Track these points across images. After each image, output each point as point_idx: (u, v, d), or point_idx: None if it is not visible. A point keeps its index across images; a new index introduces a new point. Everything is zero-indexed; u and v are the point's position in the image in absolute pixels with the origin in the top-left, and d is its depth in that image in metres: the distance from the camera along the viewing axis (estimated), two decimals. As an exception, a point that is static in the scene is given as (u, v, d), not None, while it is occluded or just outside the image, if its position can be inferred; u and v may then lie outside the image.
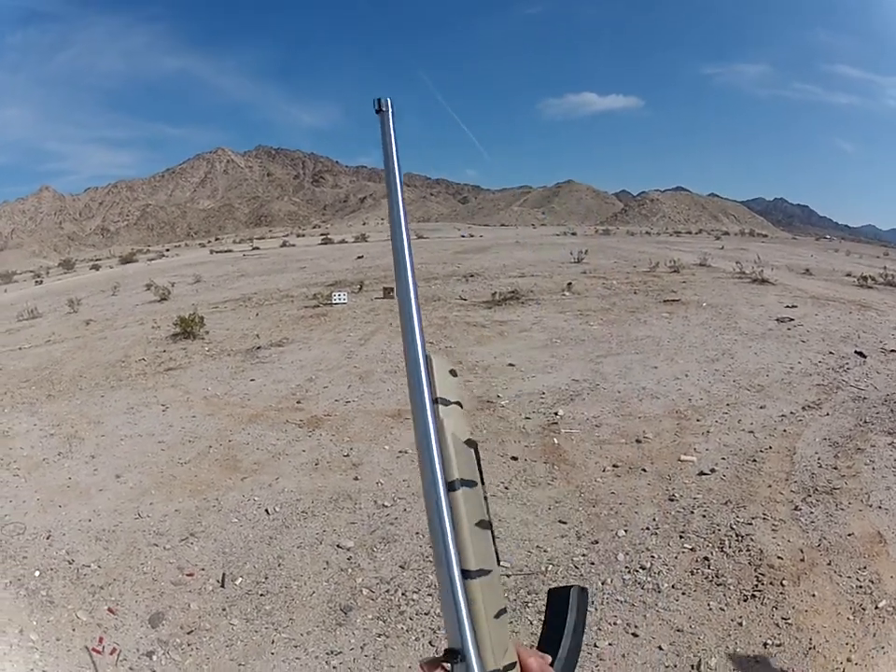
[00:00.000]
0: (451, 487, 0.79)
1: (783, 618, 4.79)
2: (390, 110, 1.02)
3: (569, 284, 21.57)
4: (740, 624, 4.79)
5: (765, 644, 4.57)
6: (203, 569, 6.19)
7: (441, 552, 0.75)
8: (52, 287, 48.68)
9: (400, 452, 8.48)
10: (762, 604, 4.95)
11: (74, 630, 5.45)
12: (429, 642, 5.08)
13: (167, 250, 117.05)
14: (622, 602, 5.11)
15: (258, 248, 78.62)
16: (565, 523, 6.35)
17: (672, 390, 10.10)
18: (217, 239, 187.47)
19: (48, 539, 7.00)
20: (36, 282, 59.61)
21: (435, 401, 0.86)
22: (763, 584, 5.16)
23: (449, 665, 0.75)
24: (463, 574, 0.75)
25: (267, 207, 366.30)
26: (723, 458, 7.49)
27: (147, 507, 7.57)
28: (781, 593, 5.05)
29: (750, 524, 6.03)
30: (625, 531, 6.10)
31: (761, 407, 9.29)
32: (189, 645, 5.19)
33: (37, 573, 6.30)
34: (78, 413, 11.57)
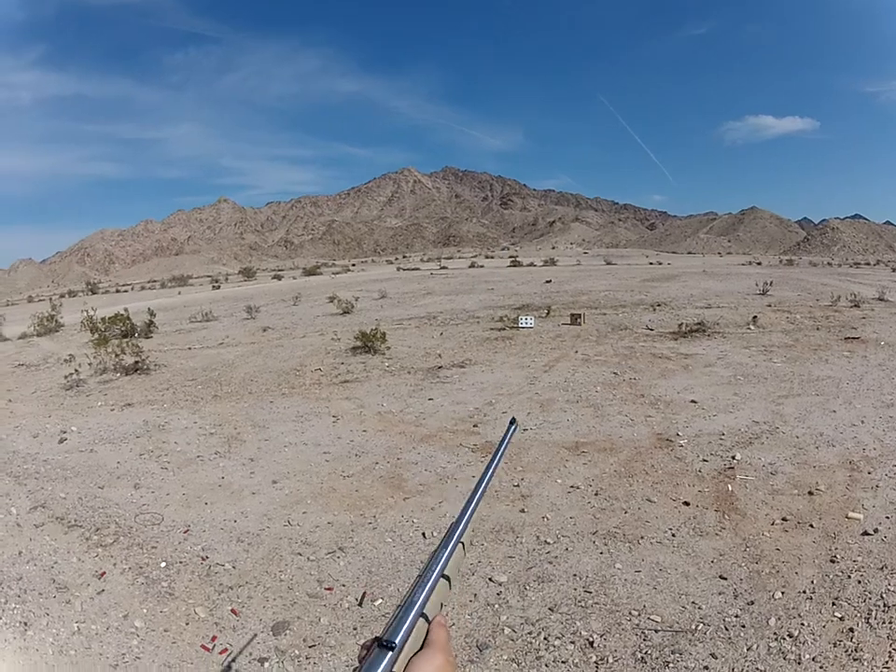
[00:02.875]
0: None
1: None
2: (516, 428, 1.60)
3: (755, 317, 21.56)
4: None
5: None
6: (343, 585, 6.13)
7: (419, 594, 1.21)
8: (230, 292, 51.88)
9: (572, 487, 8.28)
10: None
11: (187, 624, 5.53)
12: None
13: (353, 265, 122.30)
14: (761, 671, 4.84)
15: (445, 268, 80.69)
16: (725, 579, 6.07)
17: (848, 437, 9.76)
18: (404, 257, 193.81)
19: (185, 533, 7.23)
20: (214, 287, 63.71)
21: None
22: (892, 660, 4.86)
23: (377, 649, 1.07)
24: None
25: (455, 228, 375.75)
26: (888, 517, 7.08)
27: (300, 515, 7.67)
28: None
29: None
30: (782, 593, 5.79)
31: None
32: (307, 658, 5.13)
33: (163, 564, 6.50)
34: (244, 415, 12.08)
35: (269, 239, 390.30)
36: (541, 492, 8.18)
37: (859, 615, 5.45)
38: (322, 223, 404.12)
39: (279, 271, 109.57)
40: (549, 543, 6.87)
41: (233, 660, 5.11)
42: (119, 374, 15.86)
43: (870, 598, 5.66)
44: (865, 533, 6.83)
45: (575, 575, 6.23)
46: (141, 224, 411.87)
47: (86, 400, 13.67)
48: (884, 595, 5.68)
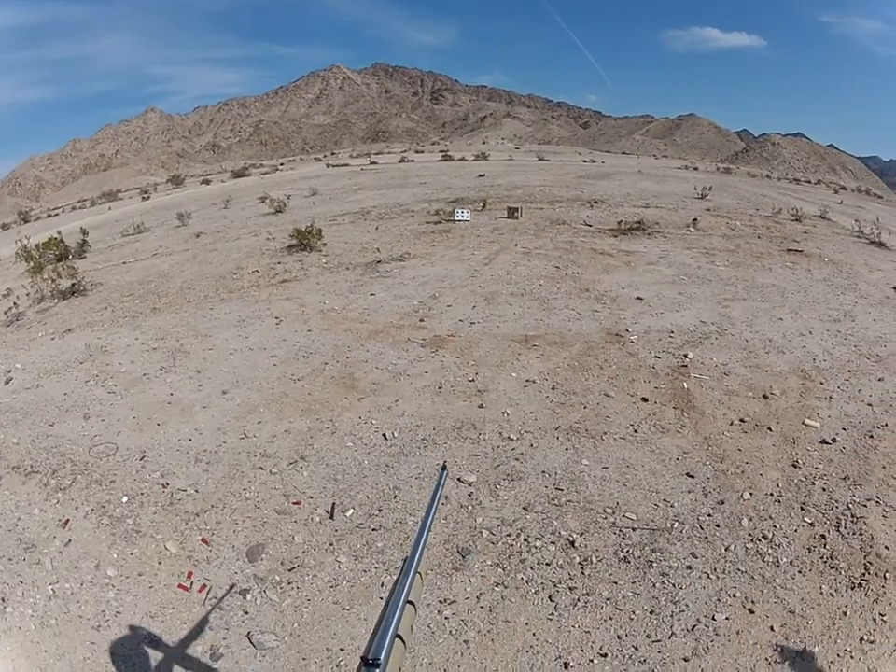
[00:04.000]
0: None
1: (880, 614, 4.67)
2: (447, 474, 1.98)
3: (694, 220, 21.48)
4: (844, 614, 4.69)
5: (861, 639, 4.47)
6: (311, 498, 5.97)
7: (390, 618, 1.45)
8: (160, 202, 50.61)
9: (528, 381, 8.23)
10: (865, 595, 4.85)
11: (160, 563, 5.32)
12: (549, 597, 4.80)
13: (281, 164, 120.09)
14: (742, 573, 4.98)
15: (375, 163, 79.74)
16: (692, 477, 6.20)
17: (797, 346, 9.96)
18: (333, 154, 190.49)
19: (141, 460, 6.93)
20: (143, 198, 62.25)
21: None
22: (869, 574, 5.03)
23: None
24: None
25: (385, 123, 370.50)
26: (844, 429, 7.29)
27: (255, 426, 7.44)
28: (883, 586, 4.92)
29: (865, 505, 5.86)
30: (750, 494, 5.94)
31: (879, 379, 8.85)
32: (288, 584, 4.99)
33: (125, 499, 6.21)
34: (185, 326, 11.65)
35: (196, 144, 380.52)
36: (497, 386, 8.14)
37: (828, 523, 5.62)
38: (249, 124, 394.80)
39: (207, 175, 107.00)
40: (512, 440, 6.84)
41: (214, 596, 4.92)
42: (56, 300, 15.20)
43: (837, 507, 5.83)
44: (824, 441, 6.96)
45: (544, 472, 6.23)
46: (69, 144, 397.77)
47: (27, 333, 13.04)
48: (850, 506, 5.82)
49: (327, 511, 5.70)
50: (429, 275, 13.78)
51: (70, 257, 21.28)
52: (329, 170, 71.53)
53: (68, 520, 5.99)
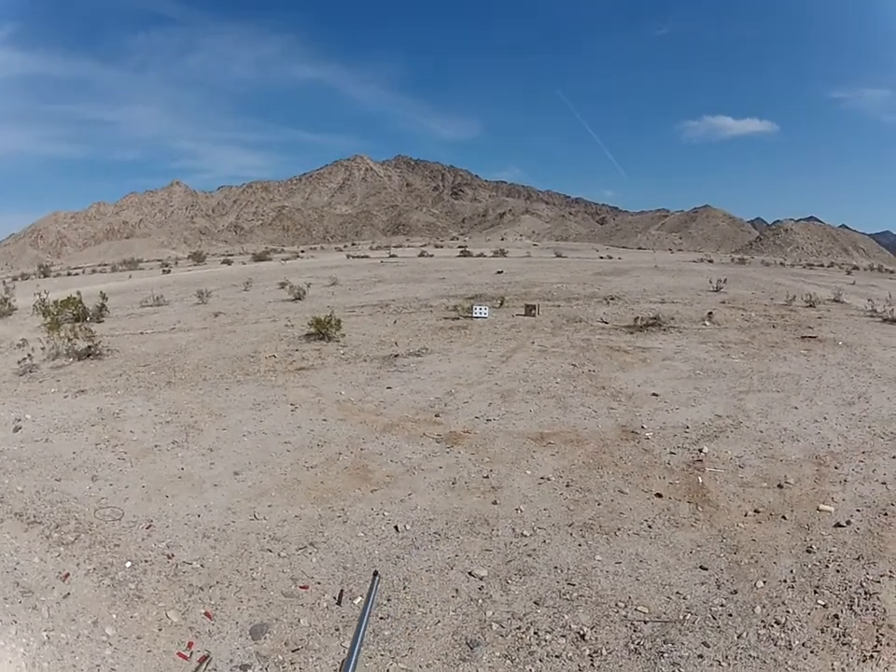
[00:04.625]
0: None
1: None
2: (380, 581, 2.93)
3: (710, 313, 21.87)
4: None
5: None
6: (319, 583, 5.89)
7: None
8: (180, 277, 51.28)
9: (542, 478, 8.19)
10: (876, 665, 4.86)
11: (160, 630, 5.24)
12: (558, 689, 4.71)
13: (302, 251, 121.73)
14: (754, 658, 4.92)
15: (395, 256, 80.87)
16: (706, 569, 6.14)
17: (812, 433, 10.04)
18: (353, 244, 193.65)
19: (147, 528, 6.90)
20: (164, 271, 62.99)
21: None
22: (881, 645, 5.04)
23: None
24: None
25: (405, 217, 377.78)
26: (858, 510, 7.37)
27: (265, 509, 7.40)
28: (895, 654, 4.95)
29: (878, 581, 5.90)
30: (764, 582, 5.90)
31: (893, 457, 9.01)
32: (291, 664, 4.89)
33: (128, 563, 6.17)
34: (200, 403, 11.71)
35: (219, 223, 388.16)
36: (512, 483, 8.08)
37: (841, 602, 5.61)
38: (272, 209, 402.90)
39: (229, 255, 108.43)
40: (525, 535, 6.78)
41: (214, 668, 4.83)
42: (71, 359, 15.35)
43: (850, 587, 5.84)
44: (838, 525, 6.97)
45: (556, 567, 6.16)
46: (93, 206, 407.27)
47: (39, 387, 13.18)
48: (864, 584, 5.83)
49: (334, 598, 5.62)
50: (446, 371, 13.81)
51: (88, 319, 21.52)
52: (350, 261, 72.57)
53: (68, 574, 5.96)
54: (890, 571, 5.99)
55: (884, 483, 8.06)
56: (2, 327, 23.48)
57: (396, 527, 6.90)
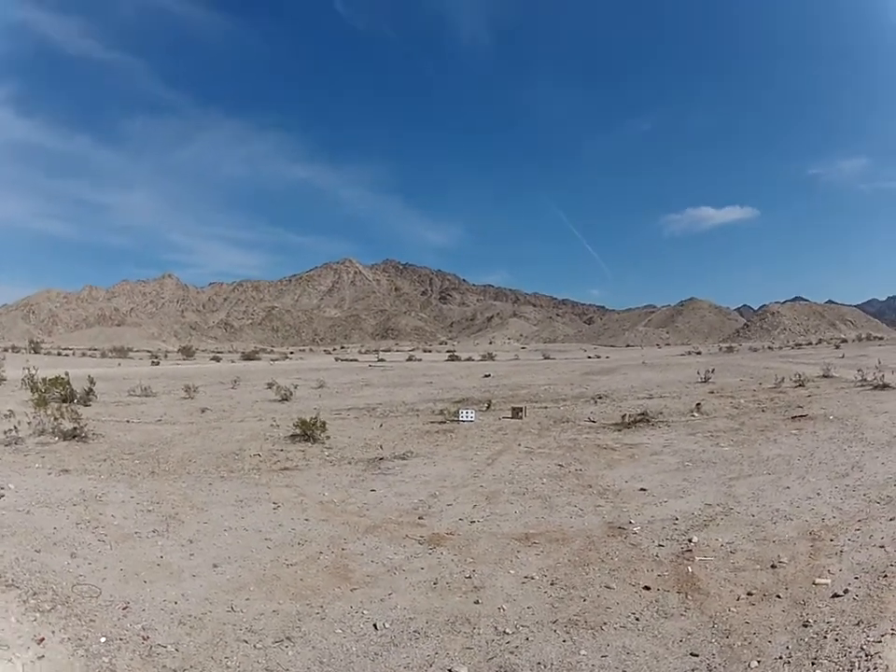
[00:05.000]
0: None
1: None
2: None
3: (698, 404, 22.04)
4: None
5: None
6: (294, 677, 5.78)
7: None
8: (169, 370, 51.48)
9: (526, 577, 8.10)
10: None
11: (133, 707, 5.12)
12: None
13: (291, 353, 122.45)
14: None
15: (383, 360, 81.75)
16: (696, 655, 6.00)
17: (805, 510, 10.10)
18: (342, 347, 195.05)
19: (123, 609, 6.84)
20: (153, 362, 63.31)
21: None
22: None
23: None
24: None
25: (394, 321, 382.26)
26: (856, 577, 7.35)
27: (243, 602, 7.32)
28: None
29: (880, 641, 5.81)
30: (758, 662, 5.79)
31: (890, 519, 9.19)
32: None
33: (103, 639, 6.11)
34: (182, 495, 11.70)
35: (209, 320, 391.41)
36: (495, 583, 8.00)
37: (841, 668, 5.56)
38: (262, 308, 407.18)
39: (218, 352, 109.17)
40: (508, 633, 6.67)
41: None
42: (57, 438, 15.40)
43: (850, 652, 5.78)
44: (835, 595, 6.96)
45: (539, 663, 6.06)
46: (85, 290, 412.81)
47: (24, 459, 13.30)
48: (864, 647, 5.74)
49: (310, 693, 5.53)
50: (431, 474, 13.79)
51: (75, 401, 21.64)
52: (338, 363, 73.09)
53: (43, 638, 5.93)
54: (892, 629, 5.99)
55: (882, 547, 8.12)
56: (-10, 396, 23.53)
57: (375, 625, 6.82)
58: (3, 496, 10.49)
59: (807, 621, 6.44)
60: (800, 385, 25.59)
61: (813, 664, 5.64)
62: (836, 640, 5.97)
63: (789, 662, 5.74)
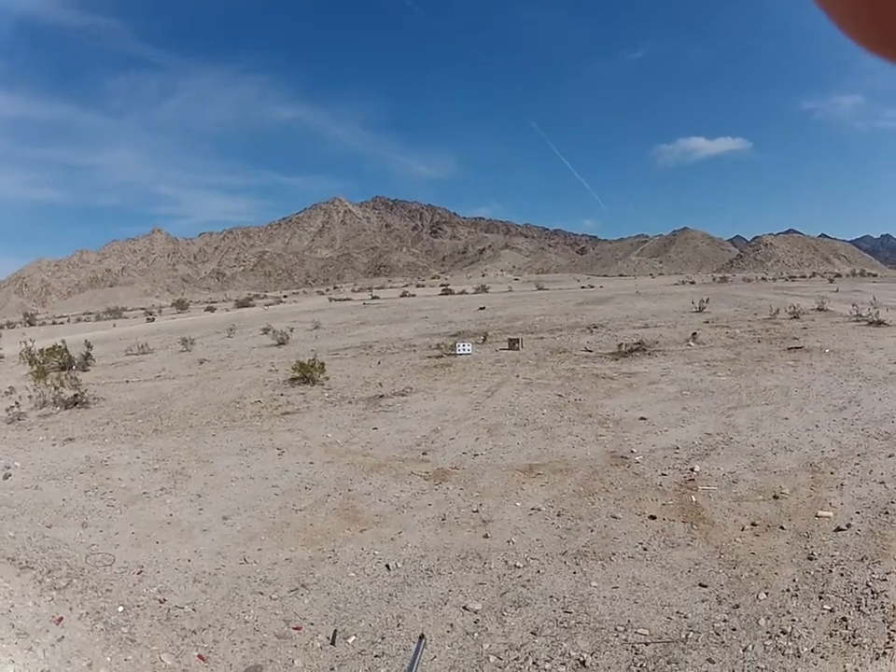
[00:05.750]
0: None
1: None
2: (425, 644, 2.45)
3: (694, 334, 22.03)
4: (870, 684, 4.74)
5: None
6: (312, 624, 5.86)
7: None
8: (164, 325, 51.29)
9: (533, 509, 8.15)
10: (891, 660, 4.85)
11: (153, 673, 5.20)
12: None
13: (285, 296, 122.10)
14: (762, 669, 4.87)
15: (377, 297, 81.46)
16: (705, 586, 6.09)
17: (805, 442, 10.11)
18: (335, 287, 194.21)
19: (138, 574, 6.88)
20: (148, 319, 63.19)
21: None
22: (893, 641, 5.03)
23: None
24: None
25: (386, 258, 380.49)
26: (857, 512, 7.42)
27: (255, 553, 7.37)
28: None
29: (885, 579, 5.90)
30: (766, 594, 5.85)
31: (889, 456, 9.15)
32: None
33: (121, 608, 6.14)
34: (187, 450, 11.72)
35: (201, 270, 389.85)
36: (502, 516, 8.05)
37: (848, 605, 5.58)
38: (254, 254, 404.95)
39: (212, 303, 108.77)
40: (519, 567, 6.72)
41: None
42: (58, 408, 15.37)
43: (856, 588, 5.81)
44: (838, 529, 7.00)
45: (552, 596, 6.10)
46: (77, 254, 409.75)
47: (28, 435, 13.25)
48: (870, 584, 5.83)
49: (328, 638, 5.59)
50: (432, 409, 13.82)
51: (73, 367, 21.57)
52: (332, 304, 72.95)
53: (62, 618, 5.93)
54: (896, 567, 6.00)
55: (882, 483, 8.14)
56: (-12, 375, 23.45)
57: (387, 566, 6.87)
58: (10, 475, 10.47)
59: (812, 554, 6.51)
60: (795, 318, 25.55)
61: (820, 598, 5.70)
62: (842, 575, 6.04)
63: (796, 595, 5.80)
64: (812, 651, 5.00)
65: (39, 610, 6.08)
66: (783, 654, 4.99)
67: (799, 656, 4.95)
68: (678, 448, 10.17)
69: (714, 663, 4.92)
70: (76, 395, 15.84)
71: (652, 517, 7.72)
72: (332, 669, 5.24)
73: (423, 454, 10.79)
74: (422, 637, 2.47)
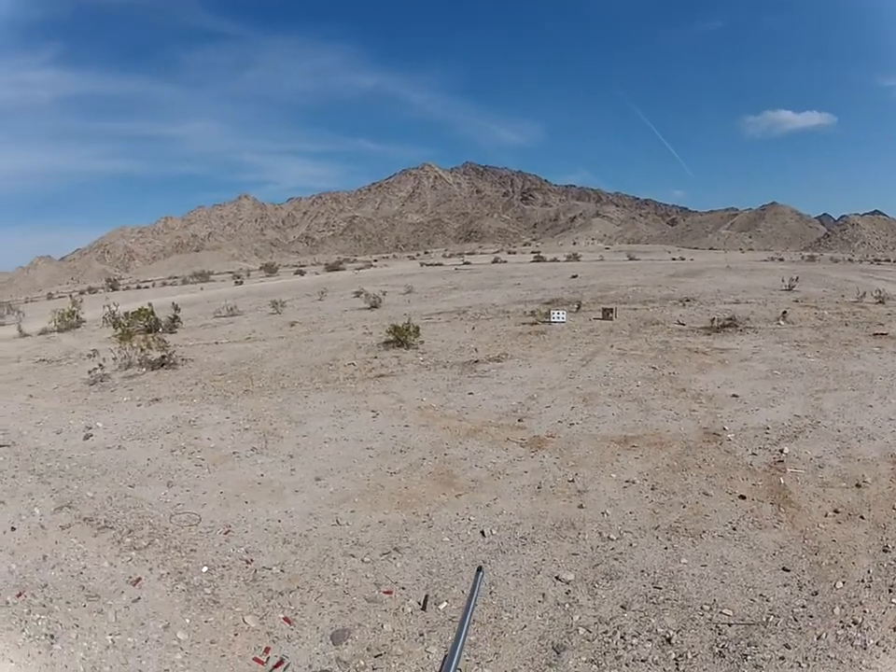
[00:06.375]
0: None
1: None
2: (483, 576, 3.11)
3: (784, 312, 21.82)
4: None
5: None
6: (403, 588, 5.83)
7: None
8: (253, 288, 52.45)
9: (627, 482, 8.11)
10: None
11: (236, 635, 5.21)
12: (642, 693, 4.71)
13: (375, 261, 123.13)
14: (832, 658, 4.92)
15: (468, 263, 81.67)
16: (788, 570, 6.14)
17: (887, 432, 9.96)
18: (426, 252, 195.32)
19: (225, 534, 6.93)
20: (236, 282, 64.40)
21: None
22: None
23: None
24: None
25: (476, 224, 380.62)
26: None
27: (348, 514, 7.38)
28: None
29: None
30: (843, 583, 5.93)
31: None
32: (374, 669, 4.84)
33: (205, 569, 6.18)
34: (278, 410, 11.85)
35: (290, 235, 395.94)
36: (597, 487, 8.02)
37: None
38: (343, 219, 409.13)
39: (301, 267, 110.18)
40: (612, 539, 6.71)
41: None
42: (144, 369, 15.72)
43: None
44: None
45: (643, 571, 6.10)
46: (161, 221, 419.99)
47: (111, 396, 13.56)
48: None
49: (419, 603, 5.56)
50: (527, 376, 13.76)
51: (160, 329, 22.01)
52: (423, 268, 73.37)
53: (140, 578, 5.99)
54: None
55: None
56: (71, 339, 24.27)
57: (482, 532, 6.83)
58: (91, 435, 10.66)
59: (887, 545, 6.54)
60: (880, 303, 25.08)
61: (890, 591, 5.73)
62: None
63: (869, 586, 5.82)
64: (877, 644, 5.05)
65: (115, 571, 6.16)
66: (852, 645, 5.04)
67: (865, 648, 4.99)
68: (768, 428, 10.08)
69: (790, 648, 4.93)
70: (163, 356, 16.17)
71: (742, 497, 7.73)
72: (422, 635, 5.19)
73: (519, 420, 10.71)
74: (480, 569, 2.51)
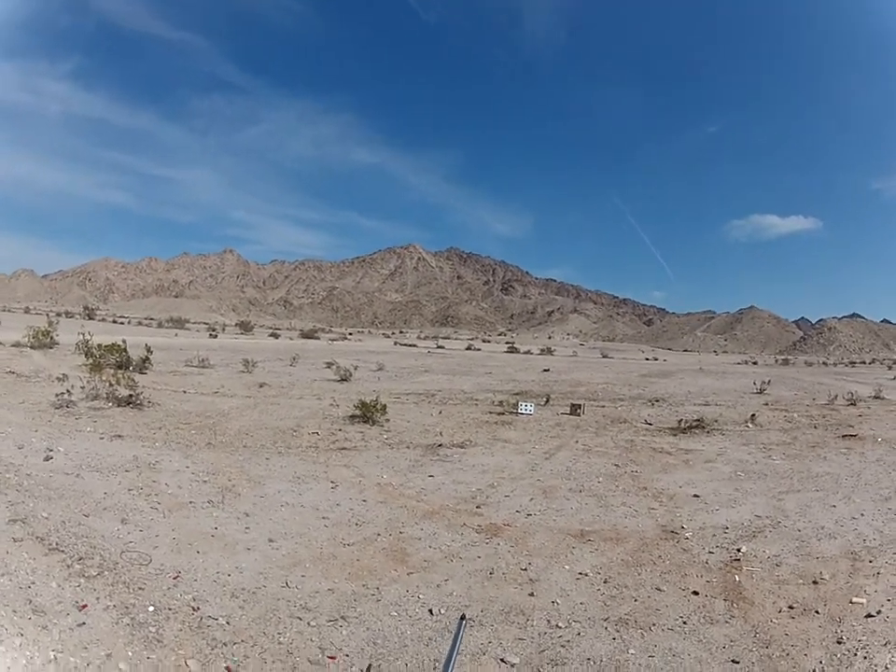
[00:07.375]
0: None
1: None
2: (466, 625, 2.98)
3: (752, 415, 22.16)
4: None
5: None
6: (347, 655, 5.80)
7: None
8: (227, 343, 52.47)
9: (581, 574, 8.14)
10: None
11: (177, 675, 5.16)
12: None
13: (350, 334, 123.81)
14: None
15: (442, 347, 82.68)
16: (737, 662, 6.17)
17: (849, 530, 10.28)
18: (401, 332, 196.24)
19: (174, 578, 6.91)
20: (211, 335, 64.52)
21: None
22: None
23: None
24: None
25: (454, 309, 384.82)
26: (889, 599, 7.56)
27: (298, 578, 7.37)
28: None
29: None
30: None
31: None
32: None
33: (151, 608, 6.16)
34: (238, 468, 11.85)
35: (269, 296, 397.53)
36: (549, 577, 8.06)
37: None
38: (323, 288, 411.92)
39: (276, 329, 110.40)
40: (560, 627, 6.73)
41: None
42: (110, 404, 15.74)
43: (876, 670, 5.99)
44: (869, 615, 7.18)
45: (589, 659, 6.13)
46: (145, 260, 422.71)
47: (75, 423, 13.60)
48: (888, 667, 6.02)
49: (362, 671, 5.55)
50: (489, 465, 13.84)
51: (131, 368, 22.00)
52: (397, 348, 74.04)
53: (86, 605, 5.98)
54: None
55: None
56: (43, 357, 24.36)
57: (430, 610, 6.84)
58: (51, 458, 10.67)
59: (841, 637, 6.64)
60: (852, 405, 25.90)
61: None
62: (865, 658, 6.18)
63: None
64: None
65: (62, 593, 6.15)
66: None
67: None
68: (727, 528, 10.25)
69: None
70: (130, 394, 16.19)
71: (696, 592, 7.80)
72: (363, 701, 5.16)
73: (477, 507, 10.78)
74: (463, 616, 2.66)
